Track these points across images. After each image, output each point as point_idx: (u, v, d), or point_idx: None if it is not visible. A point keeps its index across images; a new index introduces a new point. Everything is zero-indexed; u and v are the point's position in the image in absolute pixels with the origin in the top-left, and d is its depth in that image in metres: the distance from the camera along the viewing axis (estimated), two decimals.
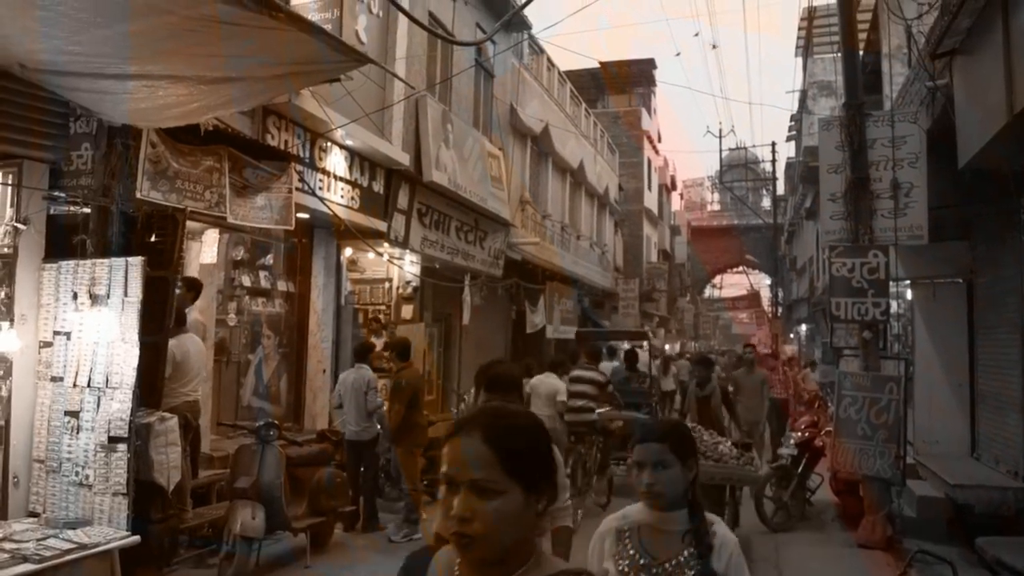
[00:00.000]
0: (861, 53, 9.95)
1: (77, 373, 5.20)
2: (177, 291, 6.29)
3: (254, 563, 6.02)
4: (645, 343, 14.22)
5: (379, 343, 10.29)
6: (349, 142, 8.79)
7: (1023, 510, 6.81)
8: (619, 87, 30.50)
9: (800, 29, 22.48)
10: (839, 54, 8.75)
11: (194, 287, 6.97)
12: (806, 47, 22.55)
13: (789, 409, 13.39)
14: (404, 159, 9.88)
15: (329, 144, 8.58)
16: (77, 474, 5.09)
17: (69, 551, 4.50)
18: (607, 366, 12.43)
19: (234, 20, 3.58)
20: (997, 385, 8.08)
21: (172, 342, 6.28)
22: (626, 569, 2.18)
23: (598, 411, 8.88)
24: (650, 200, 30.37)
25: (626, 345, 16.58)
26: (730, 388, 10.01)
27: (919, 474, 8.46)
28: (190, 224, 6.48)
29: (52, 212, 5.62)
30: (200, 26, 3.65)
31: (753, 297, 45.26)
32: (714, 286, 51.75)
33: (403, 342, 8.24)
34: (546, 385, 8.59)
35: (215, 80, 4.47)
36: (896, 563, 6.28)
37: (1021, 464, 7.14)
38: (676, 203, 41.79)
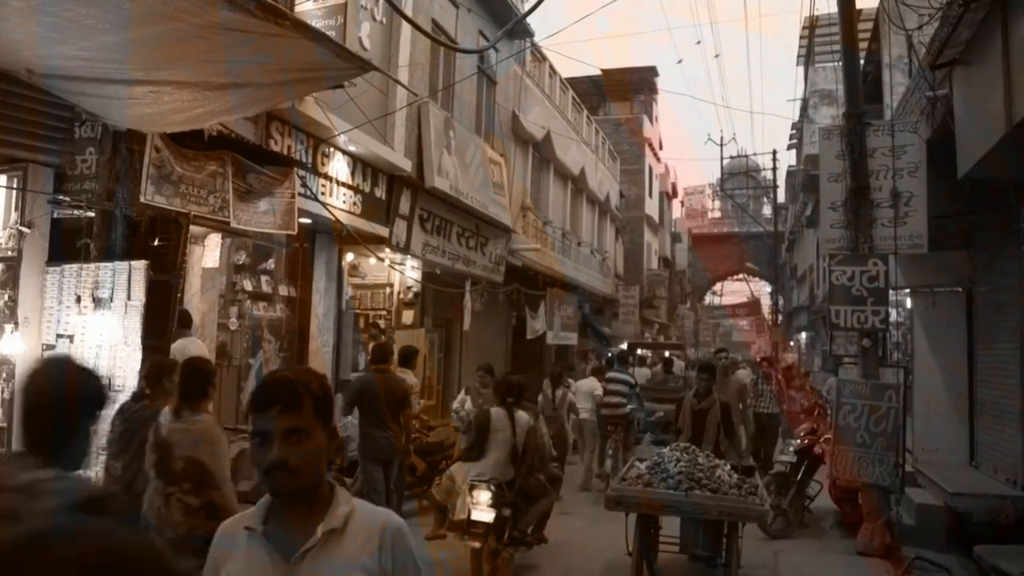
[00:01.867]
0: (862, 63, 10.00)
1: None
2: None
3: None
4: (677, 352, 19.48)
5: None
6: (352, 148, 8.82)
7: (1022, 519, 6.83)
8: (621, 94, 30.57)
9: (802, 38, 22.56)
10: (840, 63, 8.79)
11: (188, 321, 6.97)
12: (807, 56, 22.62)
13: (793, 422, 12.88)
14: (406, 165, 9.92)
15: (332, 150, 8.62)
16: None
17: None
18: (642, 372, 16.42)
19: (240, 27, 3.61)
20: (996, 394, 8.10)
21: (174, 345, 6.30)
22: None
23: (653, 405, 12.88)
24: (651, 207, 30.42)
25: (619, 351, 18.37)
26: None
27: (918, 482, 8.48)
28: (192, 228, 6.51)
29: (56, 216, 5.66)
30: (206, 33, 3.68)
31: (753, 304, 45.24)
32: (714, 293, 51.77)
33: (379, 346, 8.15)
34: (587, 385, 11.16)
35: (220, 86, 4.51)
36: (895, 570, 6.29)
37: (1020, 473, 7.15)
38: (677, 210, 41.85)
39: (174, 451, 4.06)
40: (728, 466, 5.93)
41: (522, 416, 6.34)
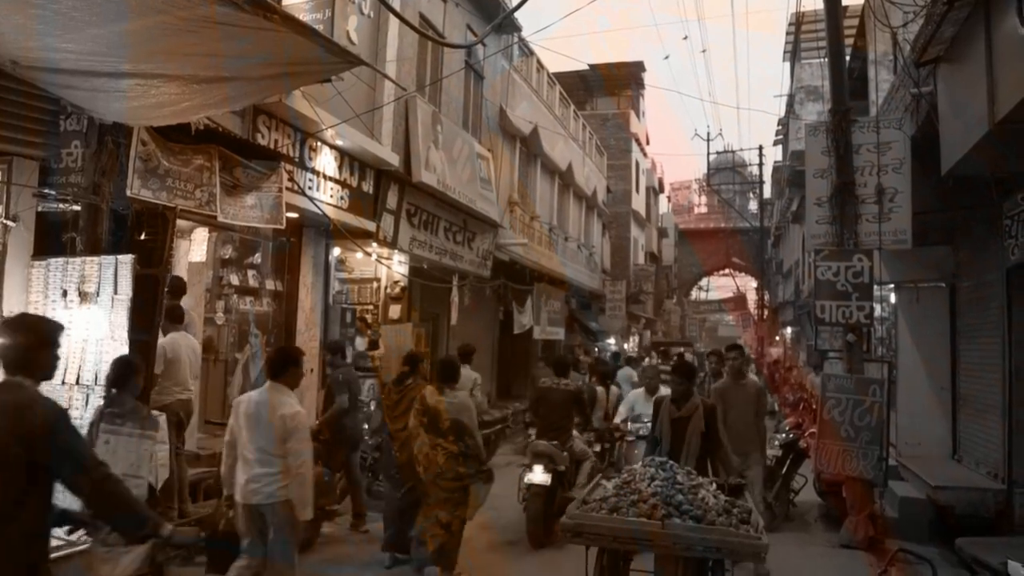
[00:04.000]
0: (848, 59, 10.06)
1: (66, 370, 5.20)
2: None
3: None
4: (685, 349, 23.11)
5: (363, 343, 10.32)
6: (339, 142, 8.80)
7: (1002, 511, 6.93)
8: (608, 89, 30.59)
9: (788, 34, 22.66)
10: (826, 59, 8.85)
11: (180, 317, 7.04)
12: (794, 52, 22.74)
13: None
14: (394, 159, 9.90)
15: (319, 144, 8.59)
16: None
17: (57, 548, 4.49)
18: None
19: (228, 21, 3.59)
20: (978, 388, 8.20)
21: (164, 339, 6.32)
22: None
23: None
24: (638, 202, 30.49)
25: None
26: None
27: (901, 475, 8.57)
28: (179, 222, 6.47)
29: (41, 209, 5.62)
30: (194, 26, 3.66)
31: (739, 300, 45.54)
32: (700, 288, 52.03)
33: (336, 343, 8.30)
34: (625, 372, 12.78)
35: (208, 80, 4.48)
36: (878, 562, 6.36)
37: (1001, 466, 7.25)
38: (664, 205, 41.98)
39: (442, 415, 5.99)
40: (713, 485, 4.96)
41: (614, 389, 9.95)
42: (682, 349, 22.38)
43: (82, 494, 2.94)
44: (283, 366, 4.81)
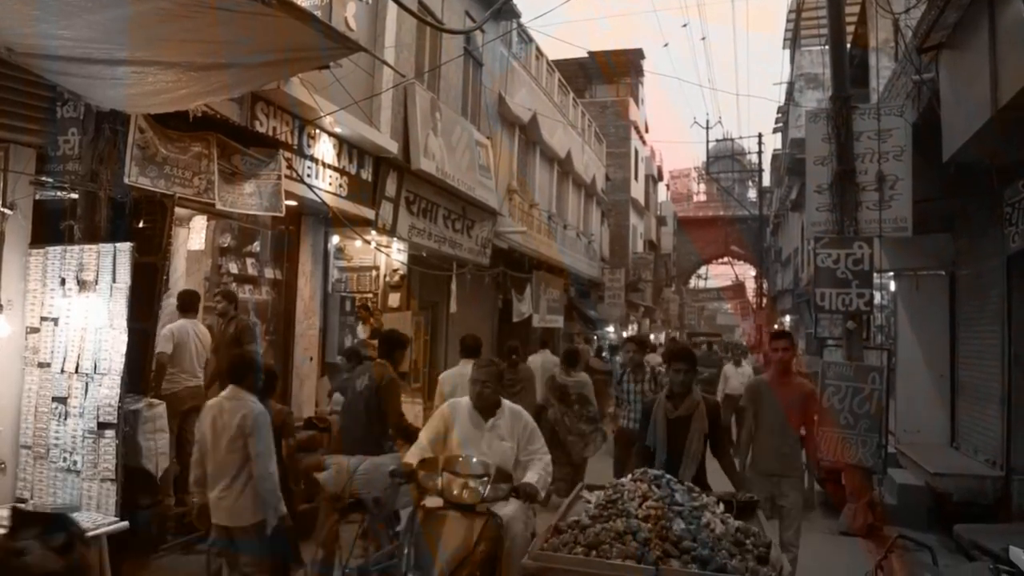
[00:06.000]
0: (849, 46, 10.01)
1: (65, 359, 5.18)
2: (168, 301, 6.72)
3: None
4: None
5: (365, 331, 10.30)
6: (338, 129, 8.76)
7: (1000, 498, 6.95)
8: (607, 77, 30.47)
9: (788, 21, 22.55)
10: (827, 47, 8.80)
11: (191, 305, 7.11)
12: (794, 39, 22.62)
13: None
14: (392, 147, 9.86)
15: (318, 131, 8.55)
16: (65, 460, 5.08)
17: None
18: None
19: (226, 6, 3.56)
20: (977, 376, 8.21)
21: (172, 325, 6.37)
22: None
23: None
24: (637, 190, 30.43)
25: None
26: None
27: (900, 463, 8.60)
28: (177, 211, 6.46)
29: (39, 197, 5.58)
30: (192, 12, 3.63)
31: (738, 288, 45.54)
32: (699, 276, 52.02)
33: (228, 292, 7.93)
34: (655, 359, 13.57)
35: (205, 66, 4.45)
36: (877, 549, 6.37)
37: (999, 454, 7.27)
38: (663, 194, 41.88)
39: (569, 390, 8.62)
40: (720, 506, 3.88)
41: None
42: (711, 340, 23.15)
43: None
44: (476, 350, 7.08)
